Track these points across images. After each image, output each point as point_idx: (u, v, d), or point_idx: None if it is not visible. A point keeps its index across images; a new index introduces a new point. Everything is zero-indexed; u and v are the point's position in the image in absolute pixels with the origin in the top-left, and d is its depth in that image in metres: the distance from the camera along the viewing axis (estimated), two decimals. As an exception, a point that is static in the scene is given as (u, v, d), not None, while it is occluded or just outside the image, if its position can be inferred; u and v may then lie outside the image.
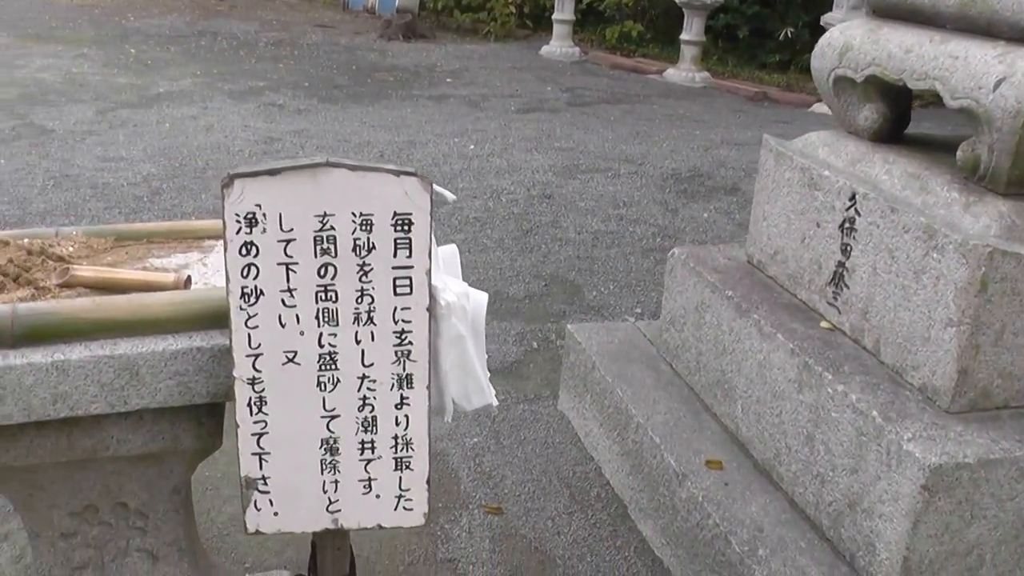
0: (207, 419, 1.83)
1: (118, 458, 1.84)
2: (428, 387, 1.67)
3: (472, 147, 7.02)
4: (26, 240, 2.04)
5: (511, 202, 5.72)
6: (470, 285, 1.76)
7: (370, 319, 1.60)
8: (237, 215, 1.51)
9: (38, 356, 1.62)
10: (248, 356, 1.59)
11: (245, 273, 1.54)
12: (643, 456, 2.88)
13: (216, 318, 1.70)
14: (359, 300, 1.59)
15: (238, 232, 1.52)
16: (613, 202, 5.82)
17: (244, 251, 1.53)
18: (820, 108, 9.60)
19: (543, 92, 9.62)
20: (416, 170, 1.55)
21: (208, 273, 1.97)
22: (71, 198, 5.55)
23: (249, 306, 1.56)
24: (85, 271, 1.84)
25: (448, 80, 10.02)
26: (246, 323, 1.57)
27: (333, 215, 1.54)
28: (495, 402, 1.83)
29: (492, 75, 10.44)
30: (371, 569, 2.62)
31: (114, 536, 1.93)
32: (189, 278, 1.85)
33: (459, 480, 3.09)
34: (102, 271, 1.85)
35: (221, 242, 1.84)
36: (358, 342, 1.62)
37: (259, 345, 1.59)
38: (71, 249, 2.03)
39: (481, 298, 1.76)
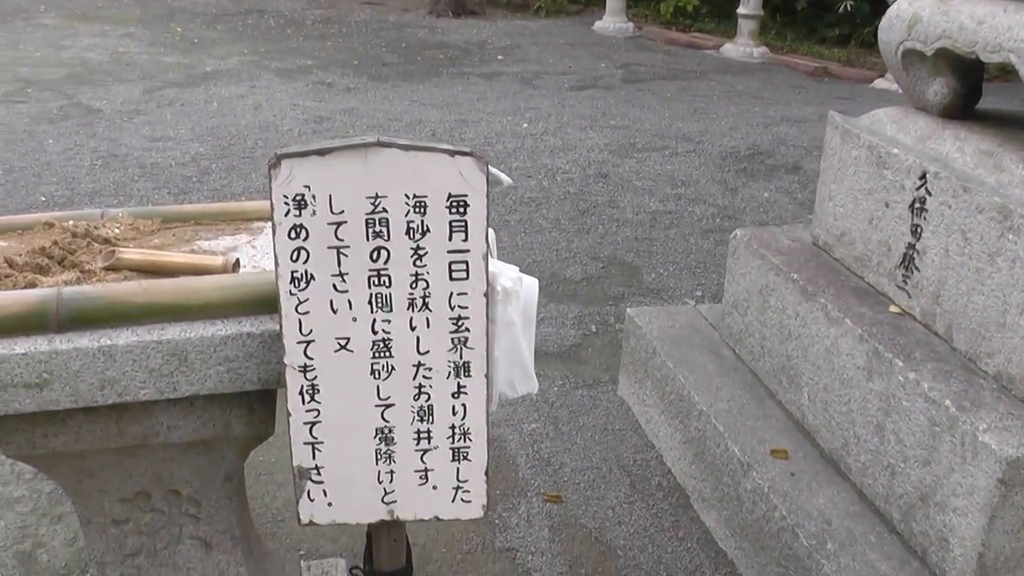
0: (258, 406, 1.78)
1: (168, 445, 1.80)
2: (486, 375, 1.58)
3: (525, 125, 6.91)
4: (71, 222, 1.99)
5: (566, 181, 5.61)
6: (526, 267, 1.68)
7: (425, 305, 1.53)
8: (285, 197, 1.44)
9: (84, 341, 1.57)
10: (299, 343, 1.52)
11: (295, 257, 1.47)
12: (706, 444, 2.78)
13: (266, 303, 1.63)
14: (413, 285, 1.51)
15: (286, 214, 1.45)
16: (671, 181, 5.68)
17: (293, 234, 1.46)
18: (882, 84, 9.35)
19: (597, 69, 9.47)
20: (471, 150, 1.47)
21: (257, 256, 1.91)
22: (119, 178, 5.55)
23: (299, 291, 1.49)
24: (131, 254, 1.78)
25: (499, 57, 9.91)
26: (296, 309, 1.50)
27: (385, 197, 1.46)
28: (536, 388, 1.76)
29: (544, 51, 10.31)
30: (427, 557, 2.56)
31: (166, 523, 1.90)
32: (238, 261, 1.79)
33: (517, 467, 3.01)
34: (148, 254, 1.80)
35: (270, 224, 1.78)
36: (413, 329, 1.54)
37: (310, 332, 1.52)
38: (117, 231, 1.98)
39: (533, 284, 1.68)
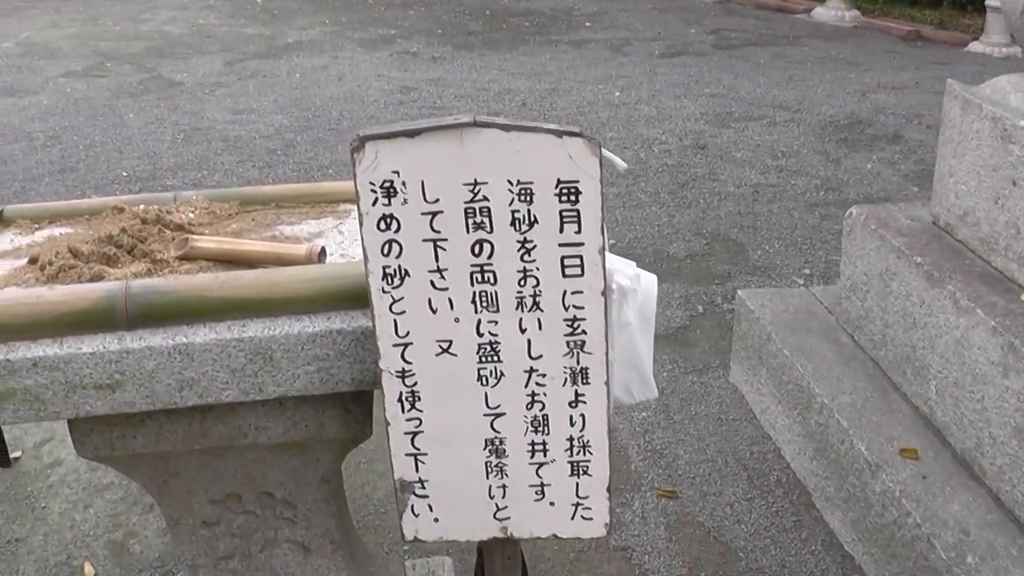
0: (354, 406, 1.65)
1: (258, 446, 1.69)
2: (607, 382, 1.41)
3: (617, 94, 6.67)
4: (142, 207, 1.87)
5: (664, 153, 5.38)
6: (627, 243, 1.49)
7: (536, 304, 1.35)
8: (372, 184, 1.27)
9: (158, 339, 1.46)
10: (396, 346, 1.37)
11: (386, 251, 1.31)
12: (828, 440, 2.56)
13: (357, 296, 1.49)
14: (522, 283, 1.34)
15: (374, 203, 1.28)
16: (771, 152, 5.41)
17: (383, 225, 1.30)
18: (977, 47, 8.86)
19: (687, 34, 9.14)
20: (582, 130, 1.28)
21: (345, 242, 1.77)
22: (202, 152, 5.50)
23: (393, 288, 1.33)
24: (207, 242, 1.65)
25: (587, 24, 9.64)
26: (391, 308, 1.34)
27: (485, 183, 1.28)
28: (656, 394, 1.58)
29: (632, 17, 10.00)
30: (539, 555, 2.41)
31: (260, 526, 1.80)
32: (324, 250, 1.64)
33: (629, 459, 2.84)
34: (226, 242, 1.66)
35: (354, 207, 1.64)
36: (523, 331, 1.37)
37: (407, 333, 1.36)
38: (191, 216, 1.86)
39: (651, 281, 1.50)
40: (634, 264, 1.49)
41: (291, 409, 1.61)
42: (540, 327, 1.36)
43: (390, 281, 1.33)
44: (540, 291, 1.34)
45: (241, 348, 1.47)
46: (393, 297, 1.34)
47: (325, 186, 1.99)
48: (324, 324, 1.49)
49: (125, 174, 5.17)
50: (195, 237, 1.65)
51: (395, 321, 1.35)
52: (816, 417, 2.63)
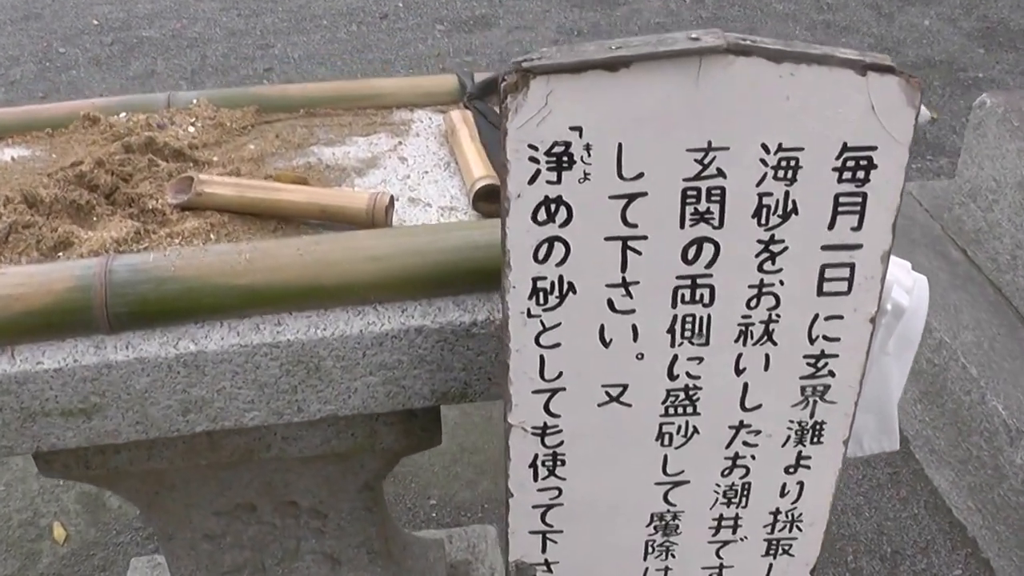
0: (422, 412, 1.20)
1: (284, 458, 1.21)
2: (846, 440, 0.93)
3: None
4: (123, 115, 1.32)
5: (696, 3, 4.73)
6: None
7: (767, 335, 0.85)
8: (533, 148, 0.75)
9: (154, 346, 0.99)
10: (538, 392, 0.87)
11: (542, 254, 0.80)
12: (946, 385, 2.13)
13: (447, 278, 1.01)
14: (752, 303, 0.83)
15: (533, 180, 0.76)
16: (816, 5, 4.78)
17: (543, 215, 0.78)
18: None
19: None
20: (893, 62, 0.76)
21: (411, 178, 1.25)
22: None
23: (545, 311, 0.82)
24: (220, 186, 1.12)
25: None
26: (538, 339, 0.84)
27: (724, 149, 0.76)
28: (898, 446, 1.10)
29: None
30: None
31: (279, 536, 1.38)
32: (392, 200, 1.11)
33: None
34: (247, 187, 1.13)
35: (416, 115, 1.25)
36: (740, 371, 0.87)
37: (558, 375, 0.86)
38: (192, 131, 1.31)
39: (923, 290, 1.00)
40: (909, 265, 0.99)
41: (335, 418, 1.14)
42: (766, 367, 0.87)
43: (542, 300, 0.81)
44: (778, 316, 0.84)
45: (275, 356, 1.00)
46: (543, 324, 0.83)
47: (370, 85, 1.44)
48: (397, 320, 1.02)
49: (96, 23, 4.54)
50: (203, 178, 1.11)
51: (542, 358, 0.85)
52: (929, 354, 2.19)
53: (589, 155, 0.75)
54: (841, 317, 0.84)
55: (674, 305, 0.83)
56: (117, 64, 4.16)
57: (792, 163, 0.77)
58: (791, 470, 0.94)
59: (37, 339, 0.97)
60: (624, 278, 0.81)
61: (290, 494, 1.31)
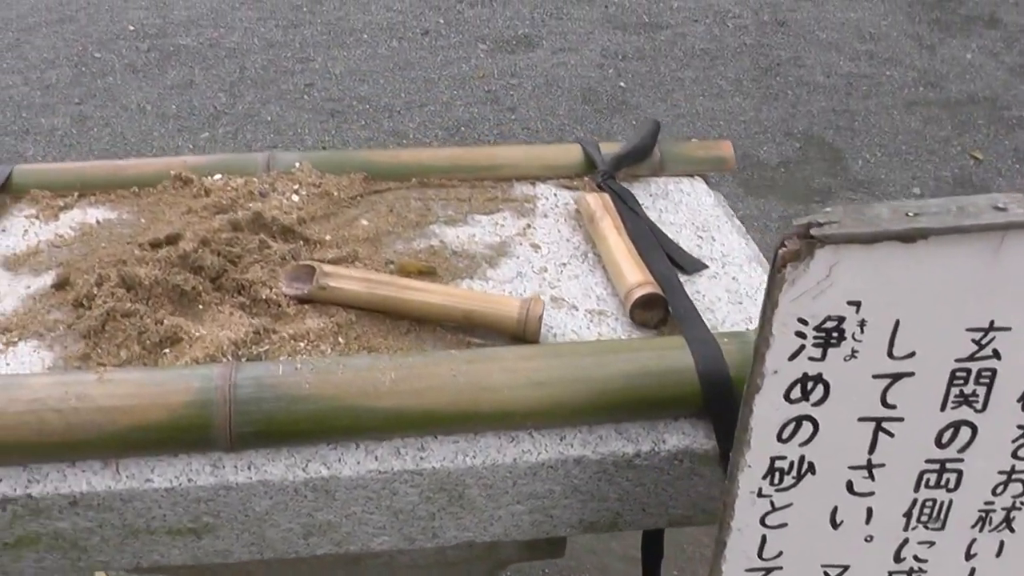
0: None
1: (394, 565, 1.14)
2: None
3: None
4: (218, 178, 1.21)
5: (739, 29, 4.62)
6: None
7: (1007, 521, 0.76)
8: (804, 320, 0.65)
9: (279, 468, 0.90)
10: (752, 571, 0.78)
11: (787, 433, 0.70)
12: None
13: (609, 404, 0.93)
14: (999, 489, 0.75)
15: (796, 355, 0.67)
16: (858, 33, 4.69)
17: (798, 391, 0.69)
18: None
19: None
20: None
21: (548, 271, 1.15)
22: (216, 4, 4.73)
23: (778, 491, 0.73)
24: (348, 280, 1.02)
25: None
26: (763, 520, 0.75)
27: (1007, 330, 0.67)
28: None
29: None
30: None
31: None
32: (543, 309, 1.02)
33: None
34: (376, 283, 1.03)
35: (539, 190, 1.08)
36: (969, 557, 0.78)
37: (778, 555, 0.77)
38: (295, 199, 1.21)
39: None
40: None
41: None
42: (999, 553, 0.78)
43: (777, 480, 0.72)
44: (1022, 503, 0.75)
45: (415, 483, 0.92)
46: (773, 504, 0.73)
47: (487, 154, 1.34)
48: (555, 449, 0.94)
49: (132, 28, 4.40)
50: (327, 270, 1.01)
51: (764, 537, 0.75)
52: None
53: (862, 331, 0.66)
54: (1097, 506, 0.76)
55: (916, 489, 0.74)
56: (154, 72, 4.04)
57: (1081, 347, 0.68)
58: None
59: (146, 454, 0.87)
60: (870, 460, 0.72)
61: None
